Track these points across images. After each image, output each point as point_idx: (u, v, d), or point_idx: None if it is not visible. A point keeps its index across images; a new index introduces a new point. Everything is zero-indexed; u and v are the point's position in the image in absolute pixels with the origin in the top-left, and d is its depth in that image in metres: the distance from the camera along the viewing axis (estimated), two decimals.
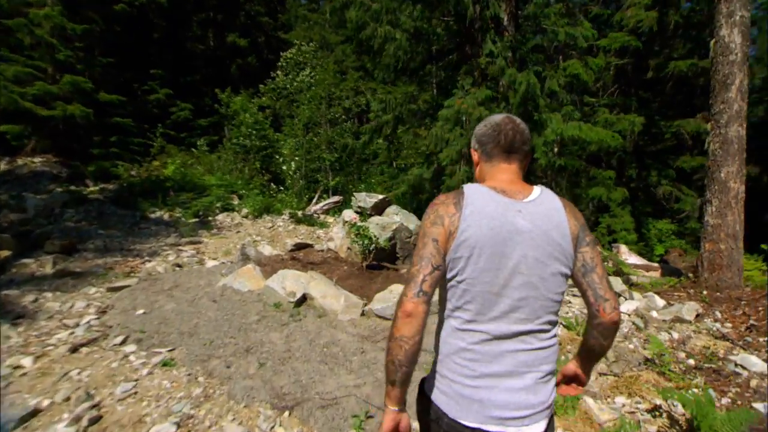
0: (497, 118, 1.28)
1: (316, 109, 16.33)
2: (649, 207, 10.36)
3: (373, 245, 4.95)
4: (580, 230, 1.19)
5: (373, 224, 5.50)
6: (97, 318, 3.92)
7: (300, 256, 5.78)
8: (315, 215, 11.35)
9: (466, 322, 1.13)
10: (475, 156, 1.33)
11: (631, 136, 9.39)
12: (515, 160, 1.25)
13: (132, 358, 3.20)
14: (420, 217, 8.08)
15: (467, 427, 1.10)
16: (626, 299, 4.97)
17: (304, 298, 4.31)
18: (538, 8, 9.06)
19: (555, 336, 1.19)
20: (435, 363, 1.21)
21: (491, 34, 8.43)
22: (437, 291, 1.18)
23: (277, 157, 15.88)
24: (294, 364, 3.14)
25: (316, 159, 16.64)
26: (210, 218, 10.32)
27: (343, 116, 17.60)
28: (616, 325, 1.18)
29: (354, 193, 6.35)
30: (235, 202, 12.46)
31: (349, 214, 6.42)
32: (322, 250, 6.25)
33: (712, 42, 5.12)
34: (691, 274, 6.11)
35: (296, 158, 15.35)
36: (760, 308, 4.35)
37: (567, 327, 3.93)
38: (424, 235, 1.15)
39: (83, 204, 9.32)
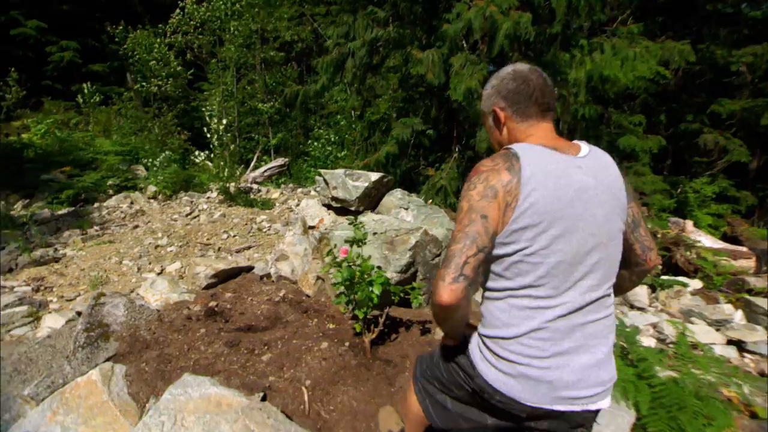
0: (522, 69, 1.10)
1: (246, 47, 12.61)
2: (682, 161, 8.44)
3: (380, 291, 2.21)
4: (627, 185, 1.10)
5: (369, 236, 2.74)
6: None
7: (226, 305, 2.94)
8: (254, 186, 8.31)
9: (539, 299, 0.98)
10: (501, 116, 1.12)
11: (677, 72, 7.13)
12: (551, 118, 1.11)
13: None
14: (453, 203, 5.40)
15: (529, 407, 1.00)
16: None
17: None
18: None
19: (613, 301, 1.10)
20: (487, 340, 1.05)
21: None
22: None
23: (203, 110, 12.26)
24: None
25: (252, 112, 13.15)
26: (95, 206, 6.95)
27: (283, 55, 13.98)
28: (655, 267, 1.18)
29: (320, 171, 3.44)
30: (143, 175, 9.02)
31: (311, 209, 3.59)
32: (269, 279, 3.45)
33: None
34: None
35: (225, 111, 11.86)
36: None
37: None
38: (470, 210, 0.97)
39: None
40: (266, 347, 2.44)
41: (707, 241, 5.65)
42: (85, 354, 2.24)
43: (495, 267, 1.03)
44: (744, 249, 5.44)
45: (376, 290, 2.14)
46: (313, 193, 7.50)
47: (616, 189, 1.05)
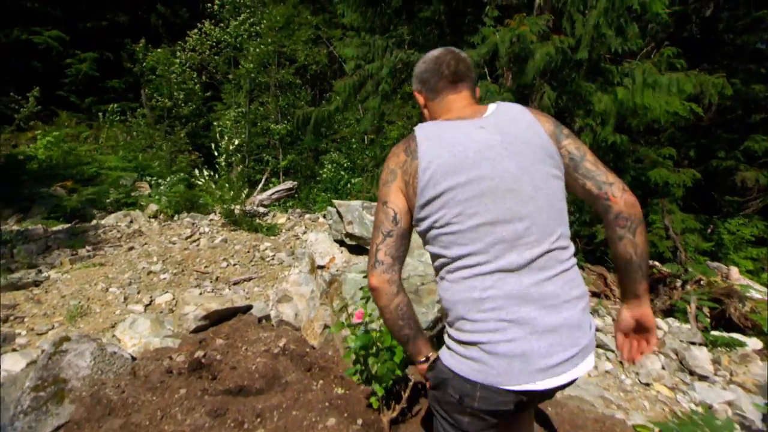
0: (434, 52, 1.14)
1: (262, 69, 12.56)
2: (710, 199, 7.95)
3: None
4: (554, 126, 1.04)
5: None
6: None
7: (215, 355, 2.47)
8: (260, 209, 7.93)
9: (473, 267, 0.93)
10: (420, 98, 1.16)
11: (709, 106, 6.74)
12: (464, 88, 1.10)
13: None
14: None
15: (510, 392, 0.90)
16: None
17: None
18: None
19: (573, 253, 1.01)
20: (449, 330, 1.01)
21: None
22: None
23: (215, 125, 12.13)
24: None
25: (263, 132, 12.97)
26: (92, 223, 6.59)
27: (298, 79, 13.91)
28: (636, 207, 0.96)
29: (333, 202, 3.00)
30: (146, 192, 8.72)
31: (320, 244, 3.15)
32: (268, 323, 2.98)
33: None
34: None
35: (236, 130, 11.68)
36: None
37: None
38: (378, 200, 1.03)
39: None
40: (259, 419, 1.96)
41: (759, 290, 5.09)
42: (26, 423, 1.77)
43: (427, 247, 1.02)
44: None
45: (398, 359, 1.67)
46: (321, 220, 7.07)
47: (530, 135, 0.99)
